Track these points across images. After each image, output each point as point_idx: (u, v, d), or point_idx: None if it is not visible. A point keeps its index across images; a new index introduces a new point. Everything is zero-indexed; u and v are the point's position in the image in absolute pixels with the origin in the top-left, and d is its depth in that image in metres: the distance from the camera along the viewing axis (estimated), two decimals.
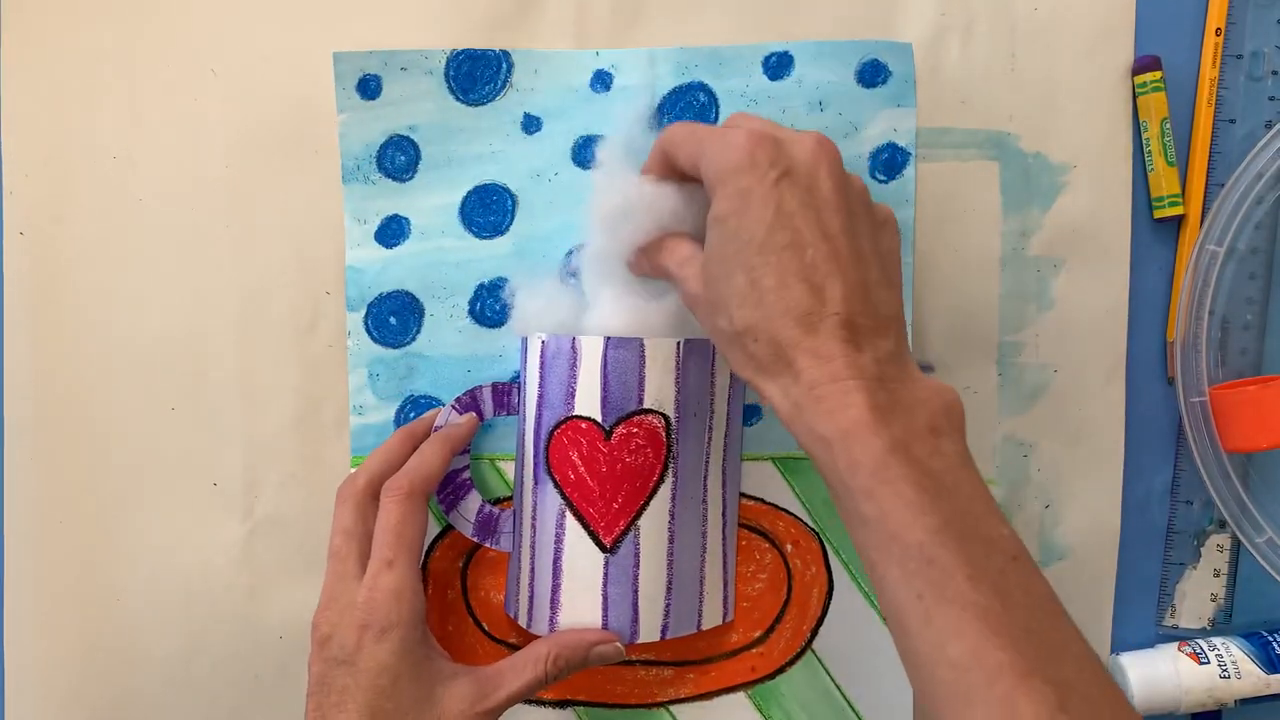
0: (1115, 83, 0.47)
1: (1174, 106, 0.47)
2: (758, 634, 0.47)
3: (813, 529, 0.47)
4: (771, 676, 0.47)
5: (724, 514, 0.45)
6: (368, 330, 0.46)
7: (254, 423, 0.47)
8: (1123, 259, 0.47)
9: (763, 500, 0.47)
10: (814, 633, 0.47)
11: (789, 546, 0.47)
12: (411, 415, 0.46)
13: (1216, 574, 0.49)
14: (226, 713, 0.48)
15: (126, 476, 0.47)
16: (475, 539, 0.45)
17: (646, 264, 0.41)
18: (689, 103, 0.45)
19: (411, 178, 0.46)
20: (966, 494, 0.33)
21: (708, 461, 0.44)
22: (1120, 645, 0.49)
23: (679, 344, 0.41)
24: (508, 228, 0.46)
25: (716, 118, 0.45)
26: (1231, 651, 0.47)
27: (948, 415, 0.34)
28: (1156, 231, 0.48)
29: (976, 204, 0.47)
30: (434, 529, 0.46)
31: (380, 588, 0.40)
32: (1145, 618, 0.49)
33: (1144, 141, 0.47)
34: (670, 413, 0.41)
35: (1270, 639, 0.47)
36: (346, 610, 0.40)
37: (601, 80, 0.45)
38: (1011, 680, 0.29)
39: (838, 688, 0.47)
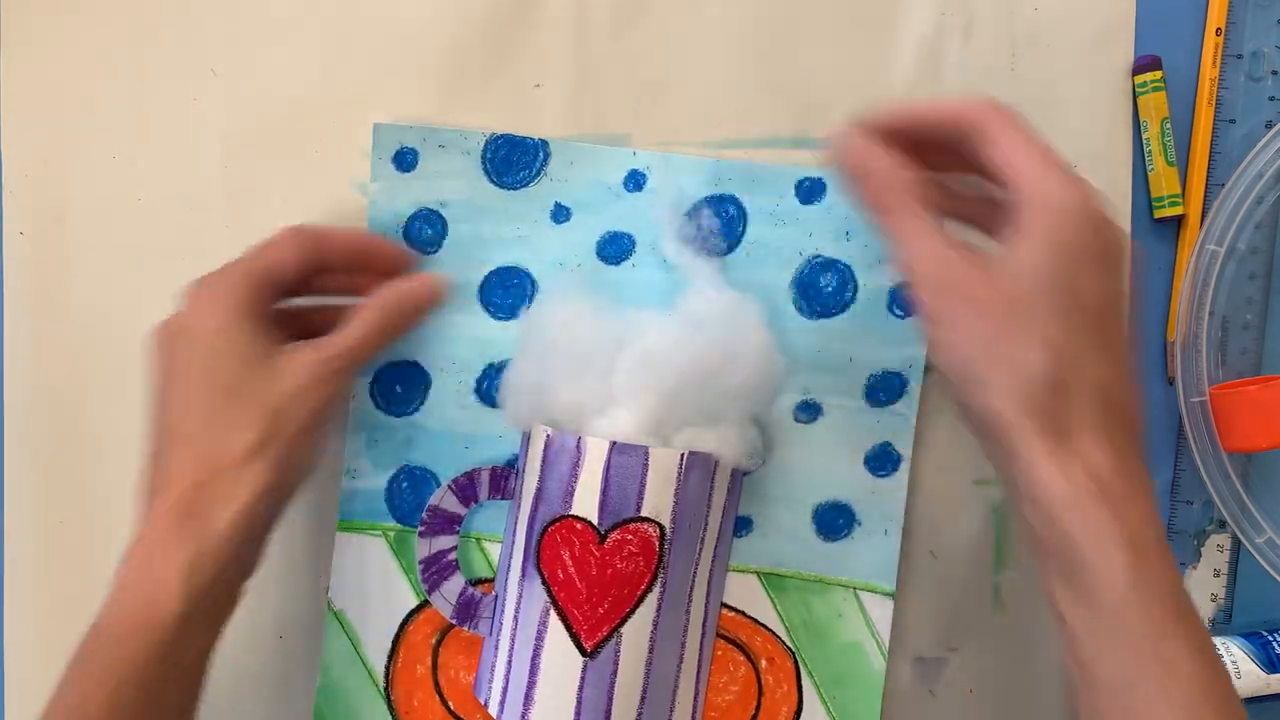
0: (1115, 83, 0.47)
1: (1174, 106, 0.47)
2: None
3: (789, 648, 0.46)
4: None
5: (704, 625, 0.45)
6: (372, 396, 0.46)
7: None
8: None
9: (743, 613, 0.46)
10: None
11: (764, 662, 0.46)
12: (405, 486, 0.46)
13: (1216, 574, 0.49)
14: (226, 712, 0.48)
15: (126, 476, 0.47)
16: (454, 621, 0.45)
17: (859, 181, 0.36)
18: (718, 212, 0.45)
19: (435, 252, 0.46)
20: (1225, 670, 0.33)
21: (695, 573, 0.44)
22: None
23: (682, 456, 0.41)
24: (523, 313, 0.46)
25: (744, 232, 0.45)
26: (1231, 651, 0.47)
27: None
28: (1156, 231, 0.48)
29: None
30: (411, 602, 0.46)
31: (213, 273, 0.39)
32: None
33: (1144, 141, 0.47)
34: (666, 523, 0.41)
35: (1270, 639, 0.47)
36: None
37: (635, 180, 0.46)
38: None
39: None
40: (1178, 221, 0.48)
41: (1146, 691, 0.31)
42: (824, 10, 0.46)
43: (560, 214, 0.46)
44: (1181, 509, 0.48)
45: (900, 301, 0.45)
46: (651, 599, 0.42)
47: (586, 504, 0.41)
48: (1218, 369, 0.47)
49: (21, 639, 0.48)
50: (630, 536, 0.41)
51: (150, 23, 0.47)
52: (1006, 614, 0.48)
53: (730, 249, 0.45)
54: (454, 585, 0.45)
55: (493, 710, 0.43)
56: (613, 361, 0.42)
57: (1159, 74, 0.46)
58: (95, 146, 0.47)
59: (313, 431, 0.39)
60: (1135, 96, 0.47)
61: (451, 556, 0.46)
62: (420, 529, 0.45)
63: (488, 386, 0.46)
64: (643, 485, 0.41)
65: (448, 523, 0.45)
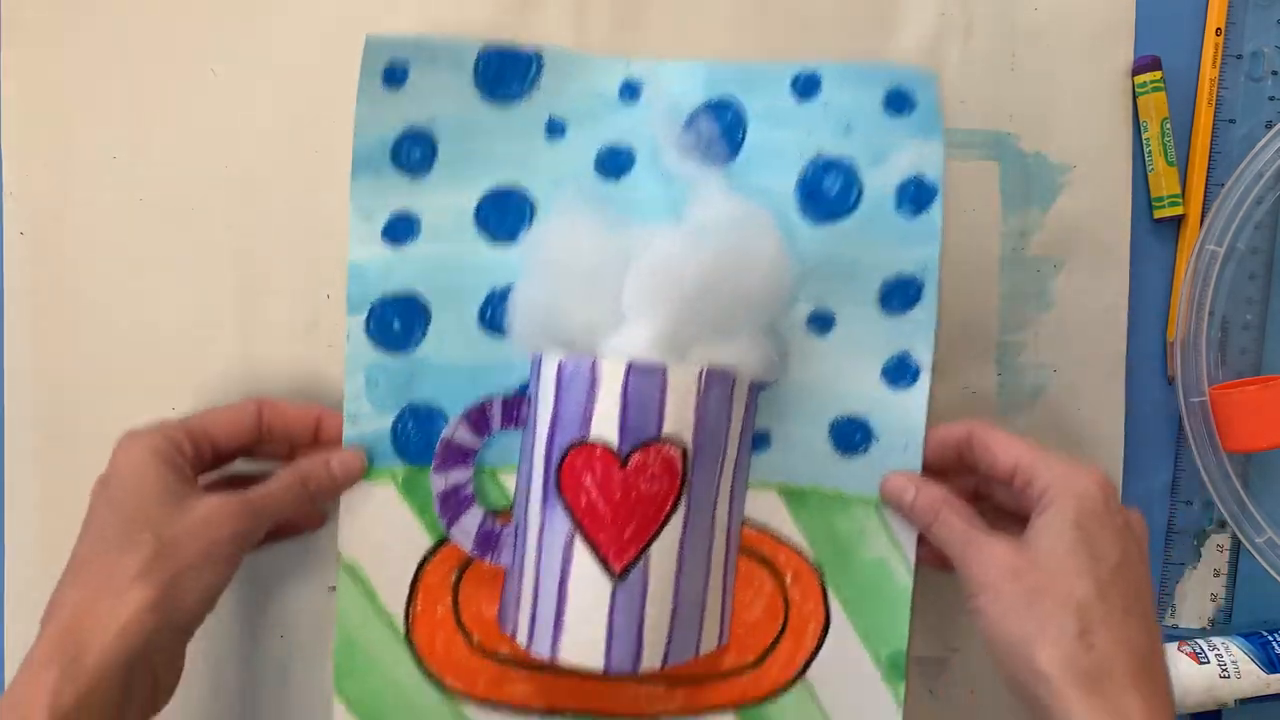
0: (1115, 83, 0.47)
1: (1174, 106, 0.47)
2: (750, 659, 0.46)
3: (813, 563, 0.46)
4: (762, 701, 0.46)
5: (728, 542, 0.45)
6: (368, 333, 0.44)
7: None
8: (1123, 259, 0.47)
9: (765, 528, 0.46)
10: (807, 665, 0.46)
11: (789, 577, 0.46)
12: (411, 426, 0.44)
13: (1216, 574, 0.49)
14: (226, 713, 0.48)
15: None
16: (474, 554, 0.44)
17: (920, 508, 0.42)
18: (717, 118, 0.44)
19: (426, 175, 0.44)
20: None
21: (718, 491, 0.43)
22: None
23: (701, 372, 0.41)
24: (524, 235, 0.45)
25: (743, 137, 0.44)
26: (1231, 651, 0.47)
27: None
28: (1156, 231, 0.48)
29: (976, 204, 0.47)
30: (426, 544, 0.45)
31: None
32: None
33: (1144, 141, 0.47)
34: (688, 442, 0.41)
35: (1270, 639, 0.47)
36: None
37: (630, 90, 0.45)
38: None
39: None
40: (1178, 221, 0.48)
41: None
42: (824, 11, 0.46)
43: (555, 129, 0.44)
44: (1181, 509, 0.48)
45: (908, 198, 0.44)
46: (677, 519, 0.41)
47: (605, 427, 0.40)
48: (1218, 369, 0.47)
49: (22, 639, 0.48)
50: (652, 458, 0.40)
51: (150, 23, 0.47)
52: None
53: (732, 155, 0.44)
54: (472, 518, 0.44)
55: (521, 641, 0.42)
56: (621, 277, 0.41)
57: (1159, 74, 0.46)
58: (95, 146, 0.47)
59: (208, 566, 0.39)
60: (1135, 96, 0.47)
61: (468, 490, 0.44)
62: (434, 464, 0.44)
63: (491, 315, 0.44)
64: (662, 405, 0.40)
65: (462, 456, 0.44)
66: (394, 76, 0.44)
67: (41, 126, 0.47)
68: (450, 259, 0.44)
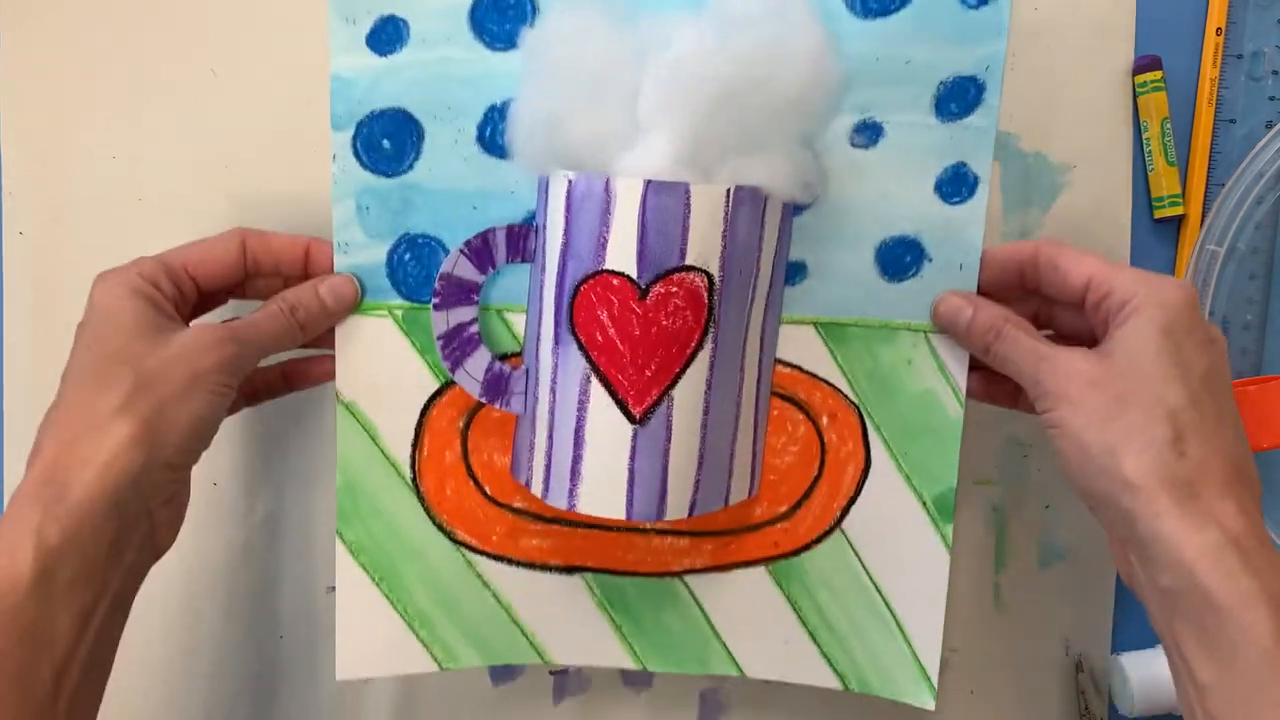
0: (1115, 83, 0.47)
1: (1174, 106, 0.47)
2: (783, 509, 0.43)
3: (853, 402, 0.42)
4: (795, 553, 0.43)
5: (759, 383, 0.41)
6: (356, 154, 0.40)
7: (254, 423, 0.47)
8: (1123, 259, 0.47)
9: (800, 368, 0.42)
10: (845, 512, 0.43)
11: (825, 419, 0.42)
12: (408, 257, 0.41)
13: None
14: (227, 713, 0.48)
15: None
16: (483, 399, 0.41)
17: (980, 328, 0.39)
18: None
19: None
20: None
21: (748, 326, 0.39)
22: (1120, 645, 0.49)
23: (728, 191, 0.36)
24: (525, 36, 0.39)
25: None
26: None
27: None
28: (1156, 231, 0.48)
29: None
30: (432, 386, 0.42)
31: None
32: (1145, 618, 0.49)
33: (1144, 141, 0.47)
34: (714, 271, 0.37)
35: None
36: None
37: None
38: None
39: (866, 571, 0.43)
40: (1178, 221, 0.48)
41: None
42: None
43: None
44: None
45: None
46: (703, 357, 0.37)
47: (622, 256, 0.36)
48: None
49: None
50: (675, 289, 0.36)
51: (150, 23, 0.47)
52: (1006, 614, 0.48)
53: None
54: (479, 360, 0.40)
55: (536, 490, 0.40)
56: (636, 80, 0.36)
57: (1159, 74, 0.46)
58: (95, 146, 0.47)
59: (192, 396, 0.37)
60: (1135, 96, 0.47)
61: (473, 330, 0.40)
62: (434, 301, 0.40)
63: (492, 133, 0.40)
64: (685, 229, 0.36)
65: (464, 292, 0.40)
66: None
67: (41, 127, 0.47)
68: (443, 69, 0.39)
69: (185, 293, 0.39)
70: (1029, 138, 0.47)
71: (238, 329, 0.38)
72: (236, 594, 0.48)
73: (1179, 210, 0.47)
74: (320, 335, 0.41)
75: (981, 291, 0.41)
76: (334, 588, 0.47)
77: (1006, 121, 0.47)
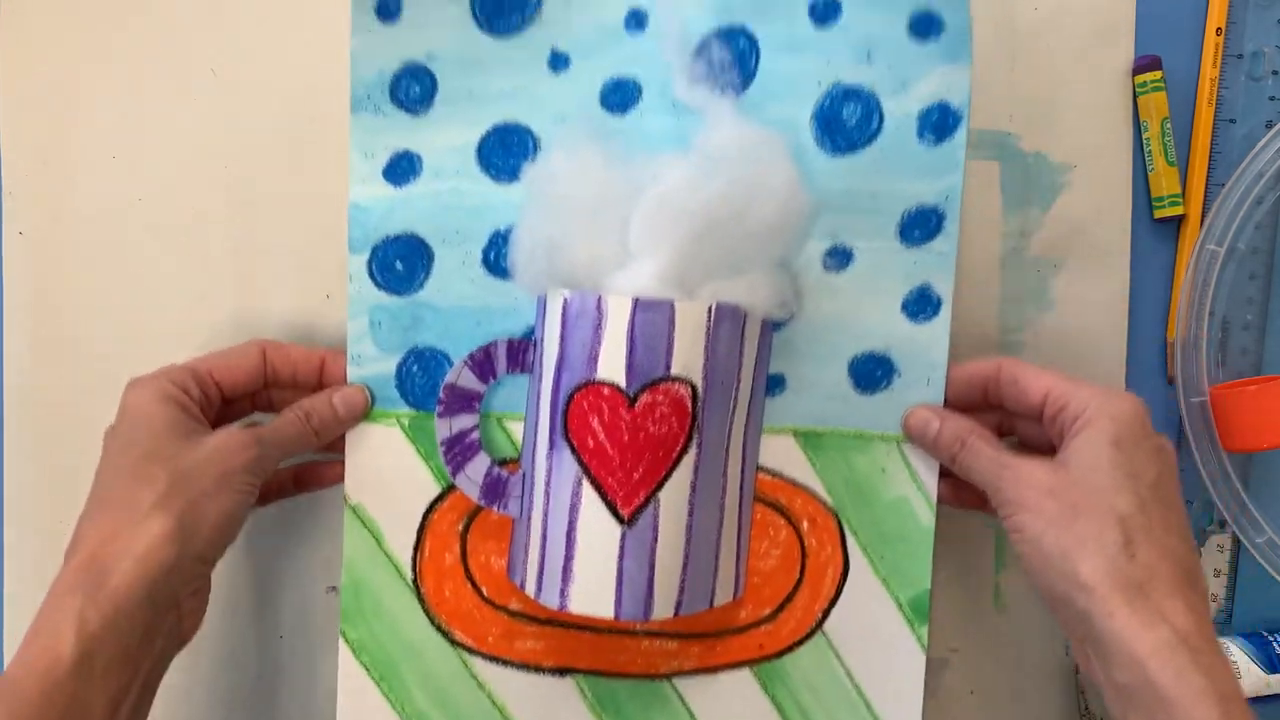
0: (1115, 83, 0.47)
1: (1174, 106, 0.47)
2: (767, 611, 0.45)
3: (830, 508, 0.45)
4: (778, 655, 0.45)
5: (741, 488, 0.43)
6: (371, 275, 0.43)
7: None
8: (1123, 259, 0.47)
9: (781, 475, 0.44)
10: (825, 614, 0.45)
11: (805, 524, 0.45)
12: (415, 369, 0.44)
13: (1216, 574, 0.49)
14: (227, 713, 0.48)
15: None
16: (481, 503, 0.43)
17: (946, 440, 0.42)
18: (729, 47, 0.42)
19: (427, 111, 0.43)
20: None
21: (730, 433, 0.42)
22: None
23: (710, 308, 0.39)
24: (527, 170, 0.43)
25: (757, 64, 0.42)
26: (1231, 651, 0.47)
27: None
28: (1156, 231, 0.48)
29: (976, 204, 0.47)
30: (434, 490, 0.44)
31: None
32: None
33: (1144, 141, 0.47)
34: (698, 381, 0.39)
35: (1270, 639, 0.47)
36: None
37: (636, 19, 0.43)
38: None
39: (847, 672, 0.45)
40: (1178, 221, 0.48)
41: None
42: None
43: (558, 61, 0.43)
44: None
45: (931, 126, 0.42)
46: (687, 461, 0.40)
47: (613, 366, 0.39)
48: (1218, 369, 0.47)
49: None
50: (661, 398, 0.39)
51: (150, 22, 0.47)
52: (1006, 614, 0.48)
53: (745, 85, 0.42)
54: (479, 465, 0.43)
55: (530, 591, 0.41)
56: (628, 211, 0.40)
57: (1159, 74, 0.46)
58: (95, 146, 0.47)
59: (222, 495, 0.39)
60: (1135, 96, 0.47)
61: (474, 436, 0.43)
62: (438, 409, 0.43)
63: (495, 256, 0.43)
64: (670, 342, 0.39)
65: (467, 401, 0.43)
66: (387, 9, 0.42)
67: (41, 127, 0.47)
68: (452, 198, 0.43)
69: (210, 399, 0.42)
70: (1029, 138, 0.47)
71: (261, 434, 0.41)
72: (236, 594, 0.48)
73: (1179, 210, 0.47)
74: (333, 441, 0.44)
75: (949, 403, 0.43)
76: (334, 588, 0.47)
77: (1006, 121, 0.47)
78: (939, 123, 0.42)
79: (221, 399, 0.43)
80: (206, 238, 0.47)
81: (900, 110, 0.42)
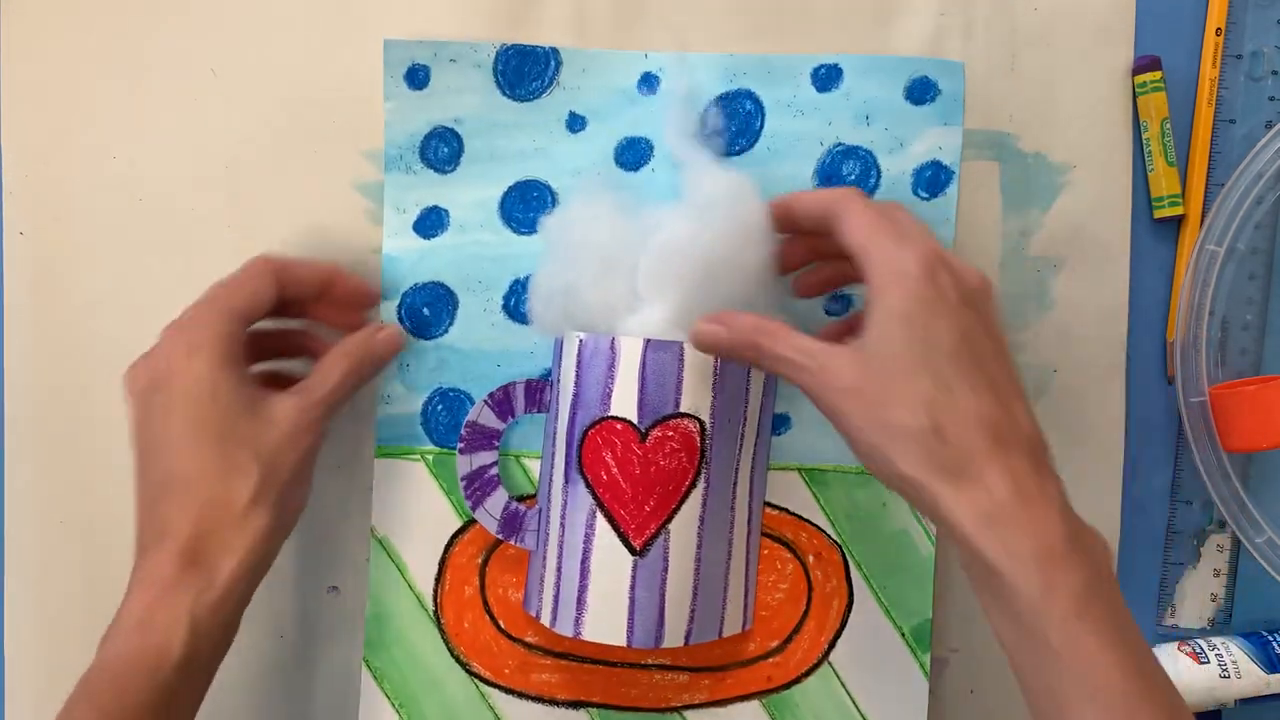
0: (1115, 83, 0.47)
1: (1174, 106, 0.47)
2: (775, 643, 0.47)
3: (835, 541, 0.46)
4: (787, 687, 0.46)
5: (749, 522, 0.45)
6: (401, 319, 0.46)
7: None
8: (1123, 259, 0.47)
9: (787, 510, 0.46)
10: (831, 645, 0.47)
11: (811, 558, 0.47)
12: (440, 408, 0.46)
13: (1216, 574, 0.49)
14: (226, 713, 0.48)
15: (126, 476, 0.47)
16: (499, 536, 0.45)
17: (735, 342, 0.39)
18: (735, 110, 0.45)
19: (453, 170, 0.46)
20: (1148, 650, 0.34)
21: (737, 469, 0.44)
22: None
23: None
24: (544, 220, 0.46)
25: (762, 126, 0.45)
26: (1231, 651, 0.47)
27: (1111, 562, 0.36)
28: (1156, 231, 0.48)
29: (976, 204, 0.47)
30: (454, 524, 0.46)
31: (189, 315, 0.41)
32: (1145, 617, 0.49)
33: (1144, 141, 0.47)
34: (706, 418, 0.42)
35: (1270, 639, 0.47)
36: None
37: (648, 82, 0.46)
38: None
39: (853, 702, 0.46)
40: (1178, 221, 0.48)
41: (1075, 695, 0.33)
42: (823, 11, 0.46)
43: (575, 123, 0.46)
44: (1181, 509, 0.48)
45: (925, 182, 0.45)
46: (696, 494, 0.42)
47: (625, 403, 0.41)
48: (1218, 369, 0.47)
49: (22, 639, 0.48)
50: (671, 433, 0.41)
51: (150, 23, 0.47)
52: None
53: (749, 145, 0.46)
54: (497, 500, 0.45)
55: (545, 620, 0.43)
56: (636, 258, 0.42)
57: (1159, 74, 0.46)
58: (95, 146, 0.47)
59: (303, 476, 0.41)
60: (1135, 96, 0.47)
61: (493, 472, 0.46)
62: (460, 446, 0.45)
63: (515, 303, 0.46)
64: (680, 381, 0.41)
65: (486, 438, 0.45)
66: (416, 78, 0.46)
67: (41, 126, 0.47)
68: (476, 249, 0.46)
69: (244, 339, 0.41)
70: (1029, 138, 0.47)
71: (326, 401, 0.42)
72: None
73: (1179, 210, 0.47)
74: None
75: (802, 233, 0.42)
76: (335, 588, 0.47)
77: (1006, 121, 0.47)
78: (932, 179, 0.46)
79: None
80: (206, 238, 0.47)
81: (896, 168, 0.45)
